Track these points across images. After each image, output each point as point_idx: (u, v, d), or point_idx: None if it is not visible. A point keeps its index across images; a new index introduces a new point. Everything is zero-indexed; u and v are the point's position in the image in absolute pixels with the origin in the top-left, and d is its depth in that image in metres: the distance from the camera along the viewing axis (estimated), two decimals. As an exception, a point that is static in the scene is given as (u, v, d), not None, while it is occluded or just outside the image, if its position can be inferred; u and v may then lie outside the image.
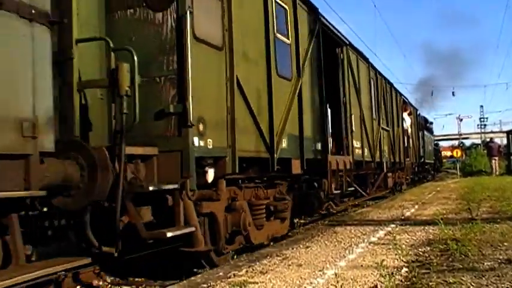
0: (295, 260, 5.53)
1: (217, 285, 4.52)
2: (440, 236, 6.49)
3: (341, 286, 4.25)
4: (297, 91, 8.13)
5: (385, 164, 15.64)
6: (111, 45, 4.94)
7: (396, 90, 19.49)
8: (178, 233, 4.98)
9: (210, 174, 5.60)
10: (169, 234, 4.84)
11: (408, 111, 22.18)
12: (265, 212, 7.18)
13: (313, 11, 9.36)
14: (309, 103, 8.73)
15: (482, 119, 74.94)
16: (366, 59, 14.17)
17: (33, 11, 3.92)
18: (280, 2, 7.70)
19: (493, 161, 30.95)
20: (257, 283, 4.49)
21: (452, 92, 63.34)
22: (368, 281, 4.41)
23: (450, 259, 5.13)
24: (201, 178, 5.46)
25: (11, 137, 3.71)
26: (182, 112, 5.11)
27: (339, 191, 10.31)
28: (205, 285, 4.52)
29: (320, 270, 4.92)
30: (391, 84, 18.39)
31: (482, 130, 73.67)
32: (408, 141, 21.59)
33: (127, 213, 4.86)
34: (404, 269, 4.71)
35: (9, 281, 3.74)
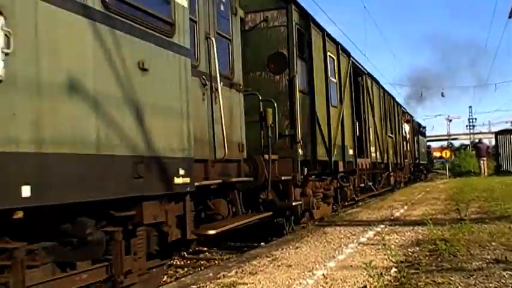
0: (284, 261, 5.53)
1: (206, 286, 4.51)
2: (429, 236, 6.52)
3: (330, 286, 4.26)
4: (340, 114, 11.73)
5: (390, 165, 19.31)
6: (260, 97, 7.94)
7: (397, 103, 23.30)
8: (297, 203, 8.67)
9: (305, 171, 9.08)
10: (294, 204, 8.53)
11: (406, 119, 25.83)
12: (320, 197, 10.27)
13: (348, 55, 13.18)
14: (346, 121, 12.12)
15: (471, 120, 75.45)
16: (378, 82, 18.34)
17: (240, 86, 7.27)
18: (331, 55, 11.45)
19: (482, 162, 31.16)
20: (246, 284, 4.49)
21: (442, 93, 63.56)
22: (357, 281, 4.42)
23: (439, 259, 5.16)
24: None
25: (236, 151, 6.90)
26: (293, 134, 8.66)
27: (362, 185, 14.73)
28: (194, 286, 4.51)
29: (309, 271, 4.93)
30: (394, 98, 22.30)
31: (471, 131, 74.17)
32: (406, 146, 25.03)
33: (265, 192, 7.83)
34: (394, 269, 4.73)
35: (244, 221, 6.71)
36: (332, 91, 11.18)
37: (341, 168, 11.45)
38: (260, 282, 4.53)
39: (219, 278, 4.78)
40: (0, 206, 3.04)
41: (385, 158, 18.21)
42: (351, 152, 12.50)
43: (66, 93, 3.63)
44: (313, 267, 5.10)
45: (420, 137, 33.74)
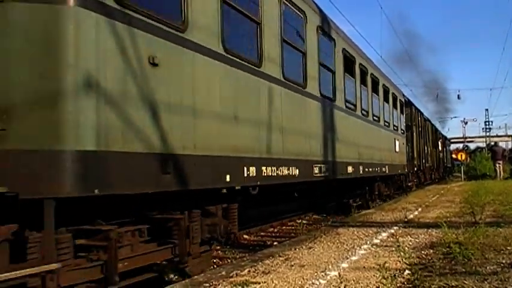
0: (297, 261, 5.54)
1: (219, 284, 4.53)
2: (443, 239, 6.48)
3: (343, 287, 4.26)
4: (420, 143, 26.13)
5: (434, 167, 34.09)
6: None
7: (436, 129, 39.72)
8: (412, 183, 23.06)
9: (415, 169, 24.01)
10: (414, 182, 23.98)
11: (440, 138, 40.37)
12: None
13: (422, 113, 28.41)
14: (422, 145, 27.19)
15: (487, 123, 74.61)
16: (430, 120, 33.84)
17: (399, 130, 18.68)
18: (419, 118, 26.40)
19: (497, 165, 30.78)
20: (259, 283, 4.50)
21: (458, 95, 62.93)
22: (370, 282, 4.41)
23: (453, 262, 5.13)
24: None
25: (403, 162, 19.17)
26: (413, 154, 23.16)
27: (427, 176, 30.27)
28: (207, 285, 4.53)
29: (322, 271, 4.93)
30: (433, 125, 37.93)
31: (487, 134, 73.35)
32: (440, 155, 39.61)
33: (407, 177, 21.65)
34: (407, 272, 4.71)
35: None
36: (422, 135, 26.73)
37: (421, 168, 26.05)
38: (273, 282, 4.54)
39: (232, 277, 4.80)
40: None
41: (433, 163, 33.36)
42: (423, 160, 27.08)
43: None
44: (326, 268, 5.10)
45: (447, 148, 50.39)
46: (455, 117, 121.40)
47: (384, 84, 15.38)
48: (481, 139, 73.29)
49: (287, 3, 7.54)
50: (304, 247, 6.49)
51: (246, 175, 5.99)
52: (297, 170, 7.54)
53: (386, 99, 15.65)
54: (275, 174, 6.79)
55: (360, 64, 12.21)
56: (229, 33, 5.82)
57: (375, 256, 5.70)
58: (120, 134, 3.97)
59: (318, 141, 8.66)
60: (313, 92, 8.44)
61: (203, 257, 5.95)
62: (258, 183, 6.30)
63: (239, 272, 5.02)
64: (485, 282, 4.27)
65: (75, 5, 3.64)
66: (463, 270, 4.76)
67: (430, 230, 7.59)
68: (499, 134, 73.48)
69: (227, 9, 5.81)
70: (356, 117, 11.62)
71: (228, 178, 5.54)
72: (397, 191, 18.80)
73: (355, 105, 11.52)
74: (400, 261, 5.26)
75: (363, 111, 12.33)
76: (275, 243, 8.26)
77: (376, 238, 7.11)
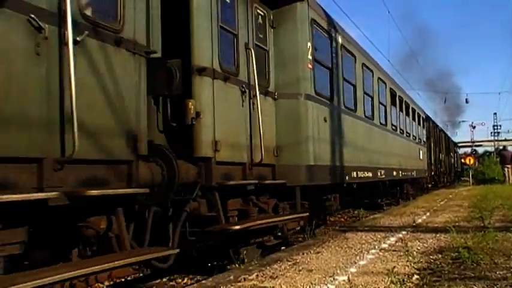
0: (305, 265, 5.53)
1: (227, 288, 4.53)
2: (452, 244, 6.45)
3: (351, 292, 4.25)
4: (437, 151, 31.12)
5: (447, 171, 37.79)
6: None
7: (449, 137, 44.55)
8: (430, 185, 28.15)
9: (432, 173, 28.00)
10: (432, 184, 29.26)
11: (451, 146, 44.71)
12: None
13: (437, 126, 33.96)
14: (438, 154, 31.65)
15: (495, 127, 74.14)
16: (444, 131, 39.30)
17: (422, 141, 23.68)
18: (433, 129, 30.86)
19: (506, 169, 30.56)
20: (267, 287, 4.50)
21: (466, 99, 62.69)
22: (378, 287, 4.40)
23: (462, 267, 5.11)
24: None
25: (425, 167, 24.03)
26: (430, 160, 26.67)
27: (442, 180, 34.86)
28: (215, 289, 4.54)
29: (331, 276, 4.91)
30: (446, 134, 42.38)
31: (496, 138, 72.90)
32: (451, 161, 43.94)
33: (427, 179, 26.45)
34: (416, 276, 4.69)
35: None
36: (437, 144, 30.50)
37: (437, 172, 29.97)
38: (281, 287, 4.54)
39: (240, 281, 4.80)
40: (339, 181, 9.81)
41: (445, 168, 36.79)
42: (438, 165, 30.77)
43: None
44: (334, 272, 5.09)
45: (457, 154, 55.16)
46: (463, 121, 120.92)
47: (412, 108, 20.90)
48: (490, 143, 72.90)
49: (366, 69, 12.37)
50: (312, 251, 6.48)
51: (353, 176, 10.23)
52: (370, 174, 11.74)
53: (413, 118, 21.14)
54: (363, 176, 11.00)
55: (399, 96, 17.53)
56: (345, 99, 10.22)
57: (383, 261, 5.68)
58: (318, 156, 8.23)
59: (379, 153, 12.97)
60: (376, 122, 13.29)
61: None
62: (358, 181, 10.61)
63: (247, 276, 5.02)
64: (495, 287, 4.25)
65: (304, 99, 7.98)
66: (472, 275, 4.74)
67: (438, 235, 7.56)
68: (508, 138, 73.06)
69: (345, 83, 10.27)
70: (397, 135, 16.68)
71: (347, 178, 9.83)
72: (419, 191, 22.74)
73: (396, 126, 16.42)
74: (408, 266, 5.24)
75: (400, 130, 17.36)
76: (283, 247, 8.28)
77: (384, 243, 7.08)
